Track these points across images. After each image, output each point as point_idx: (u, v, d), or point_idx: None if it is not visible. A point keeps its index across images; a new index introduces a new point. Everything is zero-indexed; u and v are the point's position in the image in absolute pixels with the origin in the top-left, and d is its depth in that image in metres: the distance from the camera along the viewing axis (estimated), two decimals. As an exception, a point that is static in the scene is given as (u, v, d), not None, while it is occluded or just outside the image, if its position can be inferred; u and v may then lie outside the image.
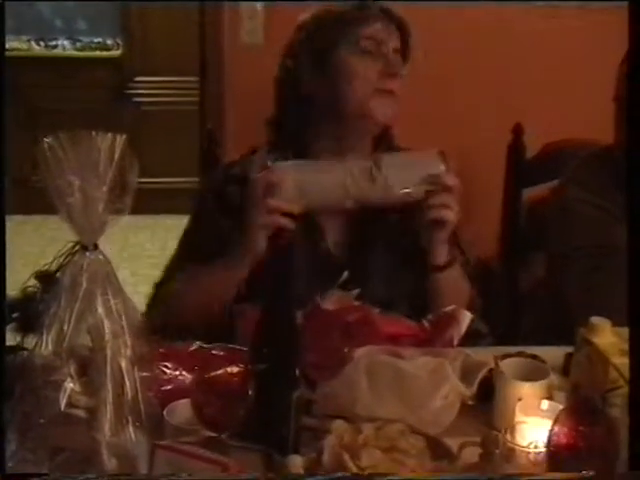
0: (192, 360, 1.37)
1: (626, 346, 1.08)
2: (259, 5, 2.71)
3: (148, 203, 4.19)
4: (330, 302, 1.35)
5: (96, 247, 1.06)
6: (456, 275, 1.64)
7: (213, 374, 1.15)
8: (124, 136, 1.07)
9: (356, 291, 1.39)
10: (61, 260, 1.05)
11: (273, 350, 1.12)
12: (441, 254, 1.60)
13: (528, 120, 2.23)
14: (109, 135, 1.06)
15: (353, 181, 1.53)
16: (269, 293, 1.12)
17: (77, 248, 1.05)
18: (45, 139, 1.02)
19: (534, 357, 1.47)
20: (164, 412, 1.18)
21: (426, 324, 1.49)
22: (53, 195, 1.03)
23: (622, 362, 1.09)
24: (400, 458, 1.16)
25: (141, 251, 4.47)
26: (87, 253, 1.05)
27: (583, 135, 2.24)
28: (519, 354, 1.48)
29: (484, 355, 1.43)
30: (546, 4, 2.66)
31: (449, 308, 1.49)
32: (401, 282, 1.63)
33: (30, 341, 1.08)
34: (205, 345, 1.43)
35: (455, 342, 1.47)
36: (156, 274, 4.38)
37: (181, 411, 1.19)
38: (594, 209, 1.78)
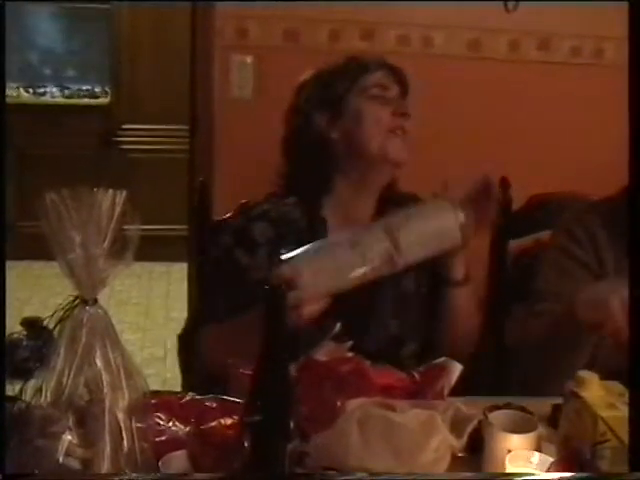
0: (185, 411, 1.38)
1: (613, 399, 1.11)
2: (249, 59, 2.77)
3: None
4: (323, 354, 1.37)
5: (95, 301, 1.08)
6: (470, 295, 1.72)
7: (209, 426, 1.16)
8: (124, 192, 1.10)
9: (349, 343, 1.41)
10: (61, 314, 1.07)
11: (267, 402, 1.14)
12: (459, 269, 1.69)
13: (513, 172, 2.27)
14: (110, 191, 1.09)
15: (373, 268, 1.50)
16: (263, 346, 1.14)
17: (77, 302, 1.07)
18: (47, 194, 1.04)
19: (522, 409, 1.50)
20: (159, 463, 1.19)
21: (416, 375, 1.50)
22: (54, 250, 1.05)
23: (610, 415, 1.11)
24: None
25: (127, 298, 4.48)
26: (87, 307, 1.07)
27: (568, 187, 2.31)
28: (507, 405, 1.50)
29: (473, 406, 1.45)
30: (540, 57, 2.72)
31: (439, 360, 1.51)
32: (412, 314, 1.72)
33: (27, 392, 1.08)
34: (198, 396, 1.45)
35: (445, 393, 1.48)
36: (142, 321, 4.41)
37: (176, 462, 1.20)
38: (572, 259, 1.81)
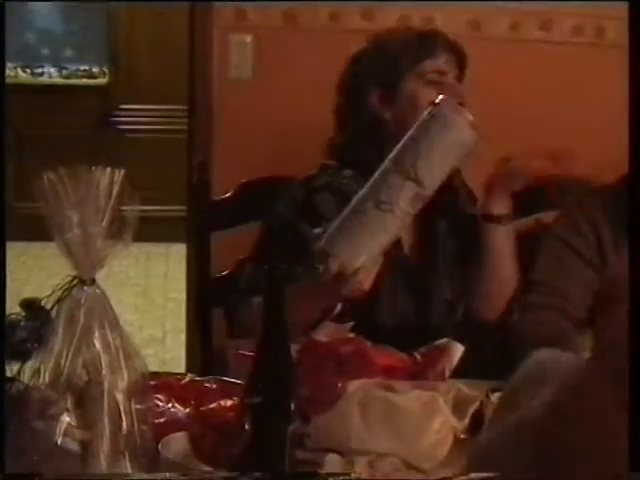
0: (185, 393, 1.37)
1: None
2: (248, 38, 2.74)
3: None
4: (324, 334, 1.36)
5: (93, 281, 1.06)
6: (509, 236, 1.72)
7: (209, 407, 1.15)
8: (122, 171, 1.08)
9: (350, 323, 1.40)
10: (59, 294, 1.05)
11: (268, 384, 1.12)
12: (498, 203, 1.69)
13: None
14: (108, 170, 1.07)
15: (405, 214, 1.44)
16: (263, 327, 1.13)
17: (75, 282, 1.06)
18: (45, 174, 1.03)
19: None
20: (159, 446, 1.18)
21: (418, 356, 1.49)
22: (52, 229, 1.04)
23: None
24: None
25: (125, 279, 4.47)
26: (85, 287, 1.05)
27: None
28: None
29: (474, 388, 1.44)
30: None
31: (441, 341, 1.50)
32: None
33: (25, 373, 1.07)
34: (198, 378, 1.44)
35: (447, 375, 1.47)
36: (140, 302, 4.41)
37: (176, 444, 1.19)
38: (574, 253, 1.78)
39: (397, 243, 1.64)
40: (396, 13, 2.79)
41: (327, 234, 1.45)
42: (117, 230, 1.04)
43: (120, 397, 1.08)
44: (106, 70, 4.95)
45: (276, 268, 1.11)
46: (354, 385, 1.31)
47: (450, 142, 1.46)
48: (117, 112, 4.84)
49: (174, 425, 1.27)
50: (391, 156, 1.48)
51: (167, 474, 1.09)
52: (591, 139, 2.78)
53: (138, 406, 1.11)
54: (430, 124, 1.47)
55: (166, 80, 4.41)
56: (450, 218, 1.82)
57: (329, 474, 1.15)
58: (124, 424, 1.09)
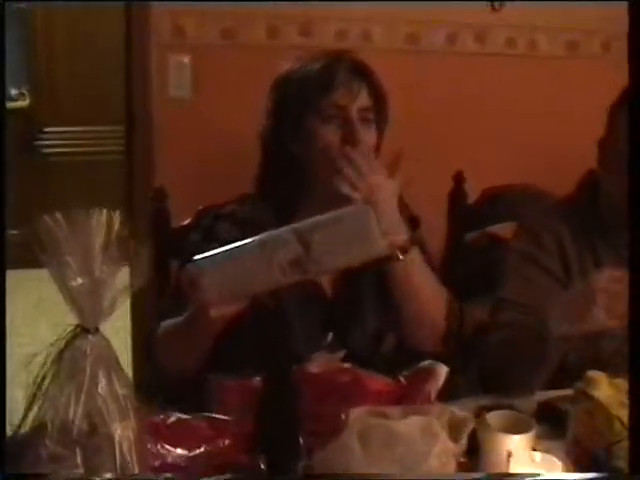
0: (173, 433, 1.33)
1: (624, 398, 1.11)
2: (186, 59, 2.70)
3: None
4: (317, 365, 1.33)
5: (97, 330, 1.02)
6: (414, 264, 1.61)
7: (213, 448, 1.11)
8: (118, 212, 1.04)
9: (342, 352, 1.38)
10: (62, 344, 1.00)
11: (277, 421, 1.10)
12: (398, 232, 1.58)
13: (466, 167, 2.28)
14: (104, 212, 1.03)
15: (282, 273, 1.36)
16: (269, 363, 1.10)
17: (78, 331, 1.01)
18: (44, 219, 0.98)
19: (511, 407, 1.50)
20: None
21: (402, 380, 1.48)
22: (53, 277, 0.99)
23: (625, 414, 1.11)
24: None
25: (55, 304, 4.32)
26: (89, 337, 1.01)
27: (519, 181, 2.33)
28: (494, 406, 1.50)
29: (458, 408, 1.44)
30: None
31: (425, 363, 1.50)
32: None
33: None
34: (184, 416, 1.39)
35: (433, 397, 1.47)
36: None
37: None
38: (536, 267, 1.79)
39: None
40: (334, 28, 2.80)
41: (201, 261, 1.41)
42: (122, 275, 1.00)
43: (127, 445, 1.03)
44: (26, 92, 4.80)
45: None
46: (354, 413, 1.29)
47: (357, 246, 1.37)
48: (40, 135, 4.69)
49: (171, 468, 1.24)
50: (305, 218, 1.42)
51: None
52: (527, 147, 2.83)
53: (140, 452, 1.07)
54: (345, 220, 1.38)
55: (91, 101, 4.31)
56: None
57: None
58: (133, 471, 1.04)
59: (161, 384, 1.55)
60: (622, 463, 1.11)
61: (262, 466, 1.05)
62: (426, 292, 1.66)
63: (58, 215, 0.99)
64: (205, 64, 2.71)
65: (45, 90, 4.66)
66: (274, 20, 2.73)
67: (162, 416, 1.38)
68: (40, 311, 4.21)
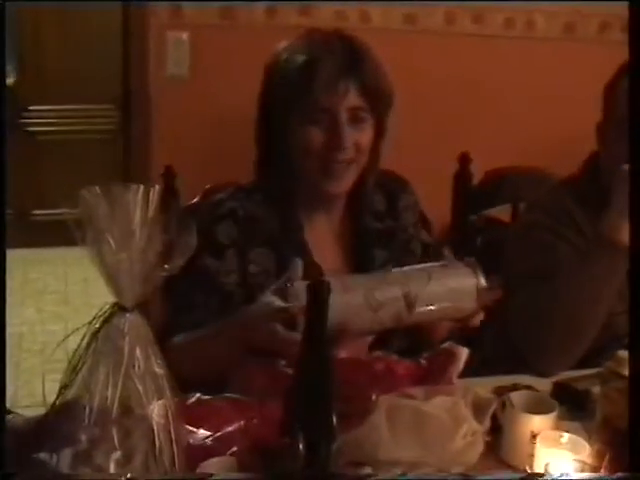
0: (194, 414, 1.31)
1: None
2: (184, 35, 2.67)
3: (46, 235, 4.04)
4: (345, 350, 1.32)
5: (134, 308, 0.99)
6: None
7: (255, 428, 1.10)
8: (157, 187, 1.02)
9: (370, 338, 1.36)
10: (99, 323, 0.98)
11: (312, 401, 1.09)
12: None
13: (470, 148, 2.27)
14: (142, 187, 1.01)
15: (379, 324, 1.41)
16: (305, 343, 1.09)
17: (115, 309, 0.99)
18: (81, 194, 0.96)
19: (530, 388, 1.50)
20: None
21: (423, 362, 1.47)
22: (92, 254, 0.97)
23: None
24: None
25: (43, 287, 4.29)
26: (127, 315, 0.99)
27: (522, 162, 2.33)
28: (515, 386, 1.50)
29: (479, 388, 1.44)
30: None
31: (445, 344, 1.49)
32: None
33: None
34: (204, 396, 1.38)
35: (454, 378, 1.46)
36: (62, 311, 4.23)
37: (214, 471, 1.14)
38: (552, 234, 1.81)
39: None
40: (332, 9, 2.78)
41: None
42: (163, 254, 0.97)
43: (165, 424, 1.02)
44: (12, 69, 4.72)
45: (319, 283, 1.07)
46: (381, 397, 1.28)
47: (454, 296, 1.47)
48: (25, 114, 4.62)
49: (196, 449, 1.22)
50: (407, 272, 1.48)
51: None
52: (528, 129, 2.84)
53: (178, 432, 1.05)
54: (451, 271, 1.48)
55: (77, 79, 4.24)
56: (391, 246, 1.69)
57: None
58: (166, 452, 1.03)
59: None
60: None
61: (300, 447, 1.04)
62: None
63: (97, 190, 0.96)
64: (204, 43, 2.68)
65: (32, 67, 4.58)
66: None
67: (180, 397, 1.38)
68: (26, 293, 4.17)
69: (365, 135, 1.57)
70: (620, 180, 1.64)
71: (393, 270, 1.49)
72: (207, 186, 1.96)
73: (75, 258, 4.57)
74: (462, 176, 2.22)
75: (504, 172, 2.28)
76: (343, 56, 1.54)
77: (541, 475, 1.21)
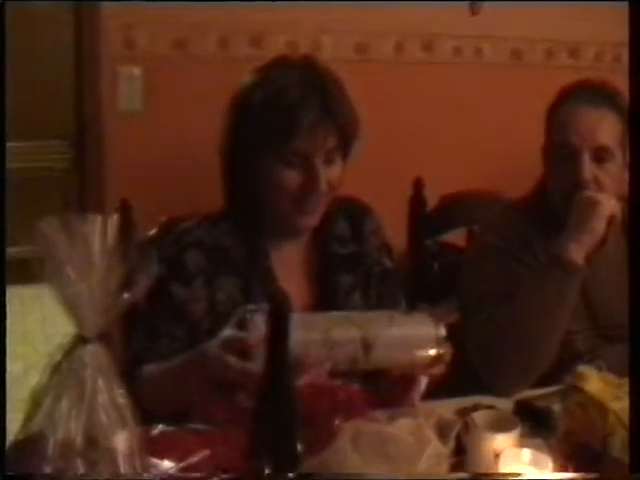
0: (156, 445, 1.30)
1: (617, 391, 1.13)
2: (137, 70, 2.67)
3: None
4: (304, 378, 1.32)
5: (97, 339, 0.99)
6: None
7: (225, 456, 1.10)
8: (115, 216, 1.02)
9: (328, 364, 1.36)
10: (61, 355, 0.98)
11: (277, 428, 1.09)
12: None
13: (424, 173, 2.30)
14: (99, 217, 1.01)
15: (334, 364, 1.38)
16: (267, 372, 1.09)
17: (77, 341, 0.98)
18: (40, 226, 0.96)
19: (491, 408, 1.52)
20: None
21: (384, 387, 1.48)
22: (51, 284, 0.97)
23: (619, 407, 1.13)
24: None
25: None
26: (89, 346, 0.98)
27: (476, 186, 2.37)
28: (477, 407, 1.52)
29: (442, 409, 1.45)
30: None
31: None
32: None
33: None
34: (168, 428, 1.37)
35: (416, 403, 1.47)
36: (21, 351, 4.15)
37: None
38: (506, 256, 1.84)
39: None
40: (283, 39, 2.80)
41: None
42: (123, 281, 0.97)
43: (128, 455, 1.01)
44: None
45: (279, 311, 1.07)
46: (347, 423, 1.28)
47: (413, 344, 1.45)
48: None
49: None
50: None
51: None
52: (481, 154, 2.88)
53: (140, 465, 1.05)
54: (410, 318, 1.47)
55: (30, 115, 4.20)
56: (356, 271, 1.70)
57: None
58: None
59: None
60: (619, 453, 1.12)
61: (266, 471, 1.04)
62: None
63: (55, 221, 0.96)
64: (156, 75, 2.68)
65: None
66: (224, 31, 2.72)
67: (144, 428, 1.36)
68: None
69: (336, 171, 1.58)
70: (579, 204, 1.69)
71: (355, 313, 1.51)
72: (163, 218, 1.96)
73: (32, 295, 4.52)
74: (416, 201, 2.24)
75: (458, 196, 2.31)
76: (321, 97, 1.53)
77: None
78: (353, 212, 1.74)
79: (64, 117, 2.79)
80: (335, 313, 1.50)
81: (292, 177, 1.54)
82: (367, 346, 1.40)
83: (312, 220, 1.60)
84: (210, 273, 1.58)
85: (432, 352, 1.44)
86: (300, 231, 1.65)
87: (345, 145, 1.58)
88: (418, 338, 1.44)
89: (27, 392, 1.05)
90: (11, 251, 4.48)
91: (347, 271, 1.69)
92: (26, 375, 3.59)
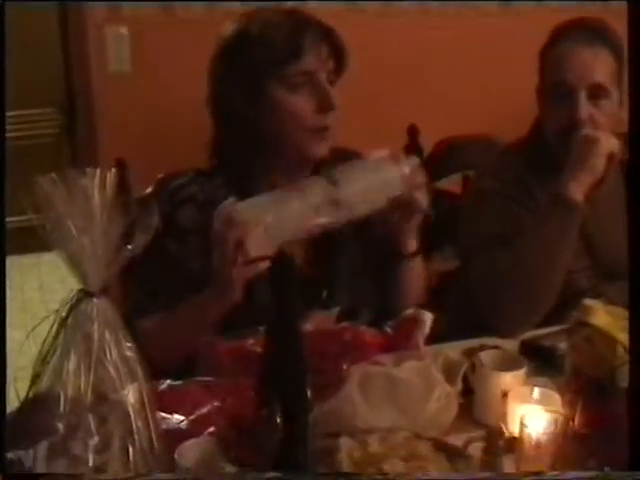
0: (164, 400, 1.30)
1: (624, 323, 1.13)
2: (124, 30, 2.64)
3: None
4: (312, 323, 1.33)
5: (102, 292, 0.99)
6: (421, 265, 1.67)
7: (236, 406, 1.10)
8: (114, 170, 1.01)
9: (336, 309, 1.37)
10: (66, 310, 0.97)
11: (286, 376, 1.09)
12: (411, 242, 1.63)
13: (420, 118, 2.29)
14: (98, 171, 1.00)
15: (317, 212, 1.44)
16: (274, 319, 1.09)
17: (82, 295, 0.98)
18: (39, 181, 0.95)
19: (497, 348, 1.52)
20: (175, 455, 1.12)
21: (389, 330, 1.48)
22: (52, 241, 0.96)
23: (625, 338, 1.13)
24: (421, 464, 1.16)
25: (-1, 295, 4.22)
26: (94, 299, 0.98)
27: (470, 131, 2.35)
28: (483, 347, 1.52)
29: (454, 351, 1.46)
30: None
31: (409, 311, 1.50)
32: (366, 285, 1.63)
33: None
34: (175, 382, 1.37)
35: (420, 345, 1.47)
36: (20, 318, 4.16)
37: (193, 452, 1.13)
38: (505, 199, 1.84)
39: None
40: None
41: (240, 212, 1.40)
42: (125, 235, 0.97)
43: (139, 409, 1.01)
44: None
45: (284, 259, 1.07)
46: (355, 368, 1.29)
47: (381, 183, 1.52)
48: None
49: (172, 433, 1.21)
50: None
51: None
52: (475, 97, 2.86)
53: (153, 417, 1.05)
54: (372, 160, 1.54)
55: (18, 84, 4.16)
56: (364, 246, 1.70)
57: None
58: (144, 435, 1.02)
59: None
60: (625, 384, 1.12)
61: (278, 420, 1.04)
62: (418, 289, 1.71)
63: (54, 176, 0.95)
64: (144, 37, 2.65)
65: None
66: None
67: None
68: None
69: (338, 96, 1.57)
70: (578, 142, 1.68)
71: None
72: (160, 175, 1.94)
73: (30, 264, 4.52)
74: (412, 148, 2.22)
75: (453, 141, 2.29)
76: (316, 24, 1.55)
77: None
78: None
79: (52, 84, 2.74)
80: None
81: (303, 100, 1.53)
82: (338, 190, 1.45)
83: (323, 148, 1.57)
84: (204, 229, 1.56)
85: (400, 191, 1.50)
86: (309, 163, 1.62)
87: (339, 70, 1.58)
88: (383, 176, 1.50)
89: (28, 360, 1.05)
90: (5, 220, 4.45)
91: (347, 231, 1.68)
92: (27, 342, 3.60)
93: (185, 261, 1.54)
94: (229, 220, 1.38)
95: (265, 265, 1.37)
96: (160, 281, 1.54)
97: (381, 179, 1.52)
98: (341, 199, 1.45)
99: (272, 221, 1.40)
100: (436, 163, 2.27)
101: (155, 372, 1.26)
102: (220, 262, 1.39)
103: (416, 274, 1.67)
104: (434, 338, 1.51)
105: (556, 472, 1.14)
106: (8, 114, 4.55)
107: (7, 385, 1.05)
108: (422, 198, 1.55)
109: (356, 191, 1.47)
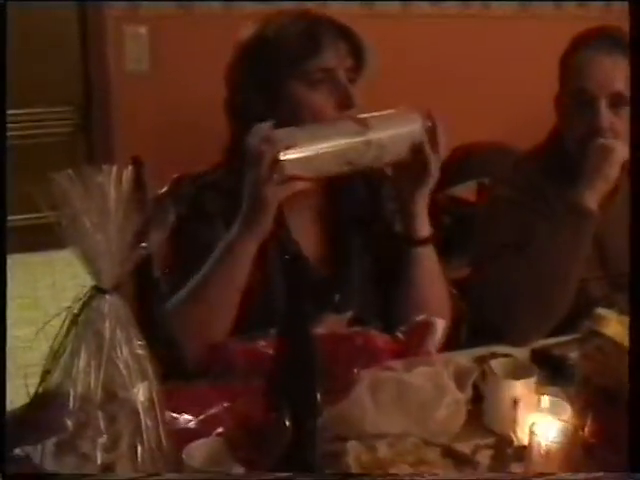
0: (174, 400, 1.30)
1: (636, 334, 1.12)
2: (143, 29, 2.65)
3: (13, 241, 3.98)
4: (324, 326, 1.33)
5: (114, 289, 0.99)
6: (434, 256, 1.61)
7: (244, 406, 1.10)
8: (130, 167, 1.02)
9: (349, 313, 1.36)
10: (78, 307, 0.98)
11: (296, 378, 1.09)
12: (424, 224, 1.58)
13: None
14: (114, 167, 1.00)
15: (349, 147, 1.47)
16: (285, 320, 1.09)
17: (94, 292, 0.98)
18: (55, 178, 0.95)
19: (507, 356, 1.52)
20: (183, 455, 1.12)
21: (400, 336, 1.48)
22: (68, 238, 0.96)
23: (638, 349, 1.12)
24: (428, 470, 1.16)
25: (9, 291, 4.22)
26: (107, 297, 0.98)
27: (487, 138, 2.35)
28: (493, 355, 1.52)
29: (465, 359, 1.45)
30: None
31: (421, 317, 1.49)
32: (379, 290, 1.62)
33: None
34: (186, 382, 1.37)
35: (432, 351, 1.46)
36: (32, 316, 4.17)
37: (200, 452, 1.13)
38: (520, 207, 1.83)
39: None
40: None
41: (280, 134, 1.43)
42: (140, 233, 0.97)
43: (148, 407, 1.01)
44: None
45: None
46: (365, 372, 1.29)
47: (407, 132, 1.55)
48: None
49: (181, 433, 1.21)
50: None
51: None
52: (492, 105, 2.86)
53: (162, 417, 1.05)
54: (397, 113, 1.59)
55: (34, 82, 4.18)
56: (370, 235, 1.68)
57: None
58: (150, 438, 1.02)
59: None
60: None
61: (287, 422, 1.04)
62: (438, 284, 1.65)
63: (70, 173, 0.96)
64: (162, 36, 2.67)
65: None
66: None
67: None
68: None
69: (358, 95, 1.57)
70: (594, 151, 1.68)
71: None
72: (175, 175, 1.95)
73: (42, 262, 4.53)
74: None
75: (469, 148, 2.29)
76: (332, 22, 1.55)
77: None
78: (371, 176, 1.72)
79: (68, 83, 2.75)
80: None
81: (322, 97, 1.53)
82: (366, 130, 1.48)
83: None
84: (228, 214, 1.54)
85: (422, 135, 1.54)
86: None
87: (359, 69, 1.57)
88: (409, 131, 1.55)
89: (39, 357, 1.05)
90: (19, 218, 4.50)
91: (360, 233, 1.67)
92: (38, 340, 3.60)
93: (212, 245, 1.50)
94: (266, 137, 1.40)
95: (300, 186, 1.40)
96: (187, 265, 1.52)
97: (407, 129, 1.56)
98: (372, 140, 1.48)
99: (307, 146, 1.43)
100: (452, 169, 2.27)
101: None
102: (255, 182, 1.40)
103: (429, 268, 1.61)
104: (446, 346, 1.51)
105: (567, 473, 1.13)
106: (26, 111, 4.59)
107: (6, 385, 1.05)
108: (434, 159, 1.56)
109: (386, 135, 1.51)
